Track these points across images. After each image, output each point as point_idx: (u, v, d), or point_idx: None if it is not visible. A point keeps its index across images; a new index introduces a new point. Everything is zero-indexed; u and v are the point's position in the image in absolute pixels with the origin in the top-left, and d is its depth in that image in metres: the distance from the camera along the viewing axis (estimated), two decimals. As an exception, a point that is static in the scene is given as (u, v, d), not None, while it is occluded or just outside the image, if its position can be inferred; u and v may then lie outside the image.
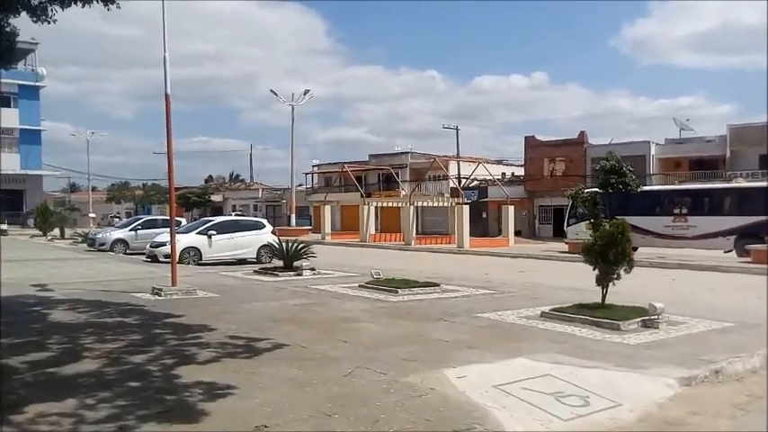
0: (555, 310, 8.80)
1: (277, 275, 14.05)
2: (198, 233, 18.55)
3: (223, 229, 18.97)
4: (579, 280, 15.42)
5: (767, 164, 33.47)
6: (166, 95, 11.03)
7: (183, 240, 18.24)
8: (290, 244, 15.11)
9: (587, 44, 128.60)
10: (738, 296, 12.35)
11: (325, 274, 14.75)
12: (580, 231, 27.90)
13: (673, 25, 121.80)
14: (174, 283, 10.80)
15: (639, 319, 8.08)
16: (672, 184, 33.75)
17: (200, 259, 18.04)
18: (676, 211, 25.67)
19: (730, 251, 23.00)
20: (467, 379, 5.40)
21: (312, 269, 14.71)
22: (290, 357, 6.06)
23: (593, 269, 8.77)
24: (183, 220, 26.94)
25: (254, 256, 18.85)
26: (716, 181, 31.97)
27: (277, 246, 15.29)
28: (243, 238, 18.98)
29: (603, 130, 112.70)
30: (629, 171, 24.50)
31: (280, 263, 15.35)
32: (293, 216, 42.15)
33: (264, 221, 20.77)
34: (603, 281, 8.65)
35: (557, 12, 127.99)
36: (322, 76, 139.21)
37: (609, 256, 8.56)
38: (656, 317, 8.03)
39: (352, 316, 8.67)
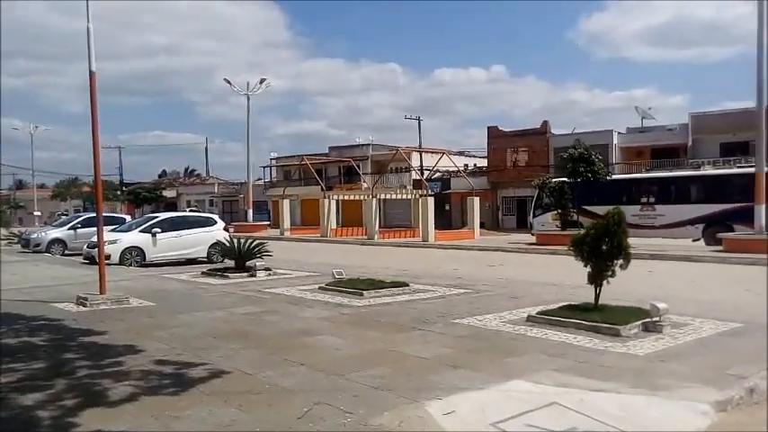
0: (542, 313, 7.73)
1: (227, 277, 12.63)
2: (141, 231, 16.92)
3: (169, 226, 17.36)
4: (553, 274, 14.55)
5: (728, 152, 33.45)
6: (91, 73, 9.49)
7: (125, 239, 16.64)
8: (242, 241, 13.69)
9: (545, 37, 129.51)
10: (726, 290, 11.57)
11: (281, 274, 13.40)
12: (546, 222, 27.28)
13: (628, 19, 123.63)
14: (102, 291, 9.30)
15: (640, 322, 7.07)
16: (634, 172, 33.47)
17: (144, 260, 16.44)
18: (644, 199, 25.17)
19: (698, 240, 22.60)
20: (456, 416, 4.22)
21: (267, 269, 13.33)
22: (230, 391, 4.76)
23: (585, 265, 7.71)
24: (128, 218, 25.06)
25: (205, 256, 17.34)
26: (678, 169, 31.74)
27: (228, 244, 13.85)
28: (191, 235, 17.41)
29: (561, 122, 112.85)
30: (598, 159, 23.81)
31: (232, 263, 13.92)
32: (250, 211, 40.40)
33: (215, 217, 19.21)
34: (597, 279, 7.60)
35: (515, 4, 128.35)
36: (282, 68, 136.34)
37: (602, 250, 7.51)
38: (658, 319, 7.04)
39: (310, 327, 7.39)
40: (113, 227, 18.35)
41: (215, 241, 16.98)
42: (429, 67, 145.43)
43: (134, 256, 16.38)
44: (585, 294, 10.37)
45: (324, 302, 9.29)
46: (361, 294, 9.70)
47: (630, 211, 25.40)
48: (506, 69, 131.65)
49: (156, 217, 18.46)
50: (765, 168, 18.84)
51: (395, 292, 10.13)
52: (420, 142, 45.32)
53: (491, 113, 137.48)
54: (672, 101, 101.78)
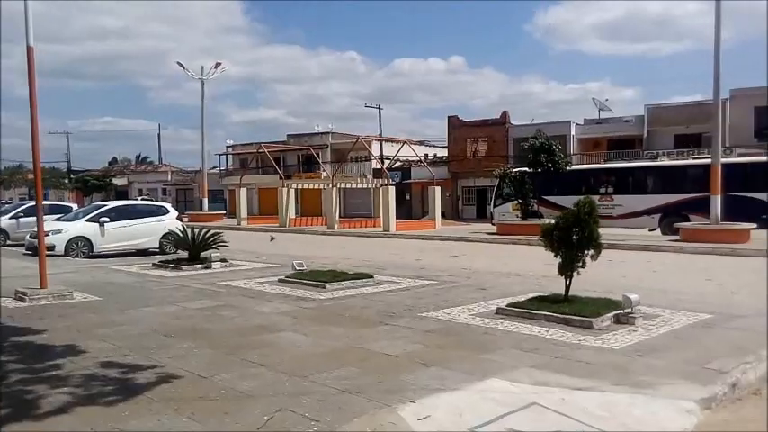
0: (512, 305, 7.48)
1: (180, 269, 11.99)
2: (88, 220, 16.02)
3: (118, 215, 16.51)
4: (517, 264, 14.44)
5: (682, 144, 34.24)
6: (28, 48, 8.71)
7: (71, 229, 15.74)
8: (196, 231, 13.05)
9: (503, 29, 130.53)
10: (689, 279, 11.61)
11: (238, 265, 12.84)
12: (507, 212, 27.32)
13: (583, 13, 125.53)
14: (43, 285, 8.60)
15: (612, 313, 6.89)
16: (591, 163, 33.90)
17: (92, 251, 15.58)
18: (602, 190, 25.45)
19: (654, 229, 22.99)
20: (432, 421, 3.88)
21: (223, 260, 12.75)
22: (182, 397, 4.29)
23: (555, 256, 7.48)
24: (75, 206, 23.87)
25: (157, 247, 16.58)
26: (634, 160, 32.30)
27: (181, 234, 13.18)
28: (142, 225, 16.60)
29: (518, 113, 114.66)
30: (558, 150, 23.90)
31: (186, 254, 13.25)
32: (205, 200, 39.27)
33: (168, 206, 18.40)
34: (567, 269, 7.38)
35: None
36: (238, 55, 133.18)
37: (573, 240, 7.30)
38: (629, 310, 6.87)
39: (270, 323, 6.94)
40: (59, 216, 17.38)
41: (167, 231, 16.22)
42: (388, 57, 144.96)
43: (80, 247, 15.51)
44: (552, 285, 10.22)
45: (284, 296, 8.83)
46: (324, 287, 9.29)
47: (589, 202, 25.81)
48: (465, 60, 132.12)
49: (105, 205, 17.52)
50: (721, 160, 19.21)
51: (358, 283, 9.75)
52: (380, 131, 44.93)
53: (450, 104, 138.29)
54: (624, 94, 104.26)
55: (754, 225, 18.71)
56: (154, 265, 12.87)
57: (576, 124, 39.69)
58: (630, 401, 4.33)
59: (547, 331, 6.38)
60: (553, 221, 7.57)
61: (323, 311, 7.59)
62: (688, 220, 21.36)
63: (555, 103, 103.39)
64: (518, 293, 8.95)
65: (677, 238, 19.65)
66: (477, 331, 6.44)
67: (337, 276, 9.99)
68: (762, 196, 20.73)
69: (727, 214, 19.13)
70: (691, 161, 25.39)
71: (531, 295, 8.65)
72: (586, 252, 7.35)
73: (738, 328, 6.55)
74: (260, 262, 13.77)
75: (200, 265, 12.30)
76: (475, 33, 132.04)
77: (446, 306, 7.86)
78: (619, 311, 6.93)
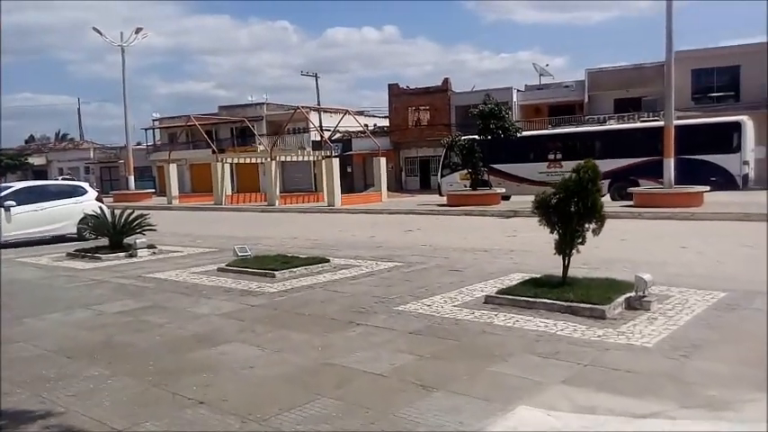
0: (503, 292, 6.32)
1: (99, 259, 10.23)
2: (-12, 205, 13.75)
3: (27, 197, 14.24)
4: (478, 238, 13.40)
5: (622, 108, 34.21)
6: None
7: (-32, 216, 13.44)
8: (116, 213, 11.24)
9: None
10: (663, 248, 10.87)
11: (169, 252, 11.14)
12: (455, 182, 26.39)
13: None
14: None
15: (622, 298, 5.84)
16: (534, 129, 33.42)
17: (-5, 240, 13.40)
18: (551, 156, 24.88)
19: (604, 195, 22.58)
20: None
21: (151, 247, 11.03)
22: (80, 475, 2.85)
23: (551, 231, 6.35)
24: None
25: (75, 232, 14.53)
26: (577, 125, 32.02)
27: (100, 217, 11.34)
28: (56, 208, 14.44)
29: (453, 83, 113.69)
30: (507, 115, 23.00)
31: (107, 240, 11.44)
32: (131, 178, 36.42)
33: (85, 185, 16.20)
34: (567, 247, 6.26)
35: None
36: (163, 25, 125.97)
37: (572, 213, 6.17)
38: (643, 294, 5.84)
39: (210, 330, 5.48)
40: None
41: (87, 214, 14.18)
42: (321, 27, 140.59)
43: (-21, 237, 13.30)
44: (527, 261, 9.23)
45: (225, 290, 7.34)
46: (273, 275, 7.87)
47: (538, 169, 25.20)
48: (398, 30, 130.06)
49: (10, 187, 15.20)
50: (673, 122, 18.78)
51: (313, 269, 8.37)
52: (318, 101, 42.96)
53: (385, 74, 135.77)
54: (555, 62, 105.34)
55: (708, 188, 18.45)
56: (68, 254, 11.02)
57: (518, 90, 39.11)
58: None
59: (555, 325, 5.24)
60: (548, 191, 6.40)
61: (276, 310, 6.19)
62: (637, 185, 21.03)
63: (487, 72, 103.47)
64: (496, 274, 7.88)
65: (630, 203, 19.21)
66: (471, 329, 5.22)
67: (287, 262, 8.57)
68: (712, 158, 20.60)
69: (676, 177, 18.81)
70: (639, 124, 25.11)
71: (514, 276, 7.63)
72: (587, 226, 6.26)
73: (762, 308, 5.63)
74: (195, 246, 12.12)
75: (123, 254, 10.56)
76: (408, 2, 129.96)
77: (423, 295, 6.62)
78: (629, 294, 5.89)
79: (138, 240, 10.92)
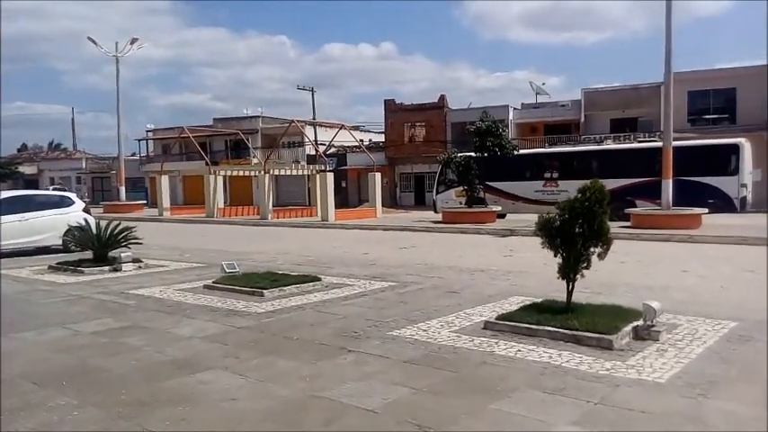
0: (503, 318, 5.99)
1: (81, 273, 9.85)
2: (-30, 215, 13.34)
3: (11, 207, 13.84)
4: (474, 257, 13.09)
5: (618, 128, 34.18)
6: None
7: (-52, 226, 13.03)
8: (101, 225, 10.87)
9: (432, 16, 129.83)
10: (665, 272, 10.60)
11: (155, 266, 10.76)
12: (450, 199, 26.12)
13: (509, 2, 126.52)
14: None
15: (629, 327, 5.53)
16: (529, 148, 33.33)
17: (-25, 251, 12.98)
18: (547, 175, 24.68)
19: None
20: None
21: (137, 261, 10.66)
22: None
23: (554, 255, 6.04)
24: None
25: (60, 244, 14.12)
26: (573, 144, 31.91)
27: (84, 229, 10.96)
28: (41, 219, 14.06)
29: (449, 101, 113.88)
30: (504, 133, 22.82)
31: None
32: (123, 189, 35.99)
33: (73, 196, 15.83)
34: (571, 271, 5.95)
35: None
36: (161, 37, 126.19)
37: (576, 236, 5.88)
38: (651, 323, 5.53)
39: (190, 355, 5.12)
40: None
41: (73, 225, 13.79)
42: (319, 42, 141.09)
43: (-40, 247, 12.89)
44: (526, 283, 8.91)
45: (210, 309, 6.97)
46: (262, 294, 7.52)
47: (534, 187, 24.99)
48: (395, 46, 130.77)
49: (-5, 196, 14.80)
50: (672, 143, 18.63)
51: (304, 288, 8.02)
52: (314, 115, 42.77)
53: (381, 90, 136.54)
54: (550, 82, 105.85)
55: (706, 210, 18.26)
56: (50, 268, 10.63)
57: (514, 109, 39.08)
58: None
59: (560, 356, 4.92)
60: (551, 213, 6.11)
61: (263, 332, 5.83)
62: (634, 206, 20.81)
63: (483, 90, 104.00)
64: (495, 297, 7.56)
65: (626, 224, 18.97)
66: (471, 359, 4.89)
67: (277, 280, 8.23)
68: (709, 180, 20.43)
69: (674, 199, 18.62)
70: (637, 145, 24.95)
71: (513, 299, 7.32)
72: (592, 250, 5.97)
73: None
74: (183, 261, 11.74)
75: (107, 268, 10.19)
76: (405, 20, 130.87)
77: (419, 319, 6.28)
78: (636, 323, 5.58)
79: (123, 254, 10.55)
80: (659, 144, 19.97)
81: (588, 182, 6.22)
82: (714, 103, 31.74)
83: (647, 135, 29.96)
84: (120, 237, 10.85)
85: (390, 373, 4.51)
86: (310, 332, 5.79)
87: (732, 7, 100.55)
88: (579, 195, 5.95)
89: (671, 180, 18.28)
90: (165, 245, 15.13)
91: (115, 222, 11.31)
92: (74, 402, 3.98)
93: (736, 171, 20.52)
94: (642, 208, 19.92)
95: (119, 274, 9.94)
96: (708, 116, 31.62)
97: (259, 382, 4.36)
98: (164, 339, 5.62)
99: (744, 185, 20.61)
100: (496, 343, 5.33)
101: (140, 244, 11.24)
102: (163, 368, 4.74)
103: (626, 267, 10.97)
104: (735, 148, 20.76)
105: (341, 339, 5.49)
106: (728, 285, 8.89)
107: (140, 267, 10.47)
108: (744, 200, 20.56)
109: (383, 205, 29.67)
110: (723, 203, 20.15)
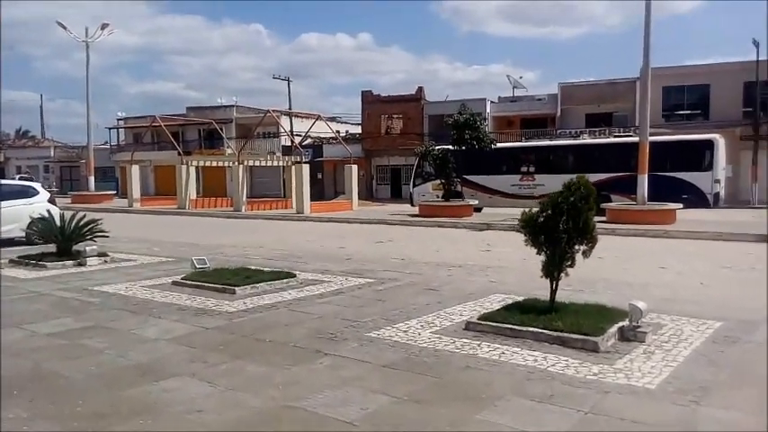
0: (485, 318, 5.78)
1: (44, 267, 9.39)
2: (-75, 205, 12.71)
3: (-30, 197, 13.28)
4: (451, 251, 12.90)
5: (593, 122, 34.34)
6: None
7: None
8: (65, 216, 10.40)
9: (410, 8, 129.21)
10: (643, 267, 10.57)
11: (122, 261, 10.33)
12: (427, 193, 25.95)
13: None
14: None
15: (615, 328, 5.37)
16: (506, 141, 33.32)
17: (-69, 244, 12.36)
18: (524, 169, 24.67)
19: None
20: None
21: (103, 255, 10.21)
22: None
23: (537, 252, 5.85)
24: None
25: (24, 236, 13.54)
26: (550, 138, 31.96)
27: (47, 221, 10.46)
28: (3, 210, 13.45)
29: (425, 93, 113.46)
30: (483, 126, 22.67)
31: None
32: (92, 178, 35.04)
33: (37, 186, 15.21)
34: (555, 269, 5.76)
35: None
36: (134, 24, 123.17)
37: (561, 233, 5.69)
38: (637, 324, 5.38)
39: (155, 360, 4.79)
40: None
41: (37, 217, 13.21)
42: (295, 32, 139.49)
43: None
44: (506, 279, 8.75)
45: (179, 308, 6.63)
46: (233, 292, 7.20)
47: (510, 181, 24.96)
48: (373, 38, 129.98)
49: (-48, 186, 14.14)
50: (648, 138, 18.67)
51: (278, 285, 7.72)
52: (290, 105, 42.17)
53: (358, 81, 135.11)
54: (526, 76, 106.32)
55: (680, 205, 18.37)
56: (11, 262, 10.13)
57: (491, 102, 39.03)
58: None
59: (545, 359, 4.72)
60: (535, 209, 5.90)
61: (233, 334, 5.53)
62: (610, 200, 20.87)
63: (460, 83, 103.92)
64: (474, 294, 7.37)
65: (602, 219, 18.99)
66: (453, 363, 4.66)
67: (250, 276, 7.91)
68: (684, 176, 20.59)
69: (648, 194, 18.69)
70: (613, 140, 25.01)
71: (494, 297, 7.14)
72: (577, 247, 5.79)
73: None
74: (151, 255, 11.31)
75: (70, 262, 9.73)
76: (383, 11, 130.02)
77: (397, 319, 6.04)
78: (621, 324, 5.43)
79: (88, 248, 10.10)
80: (635, 139, 20.03)
81: (573, 176, 6.00)
82: (688, 98, 32.08)
83: (622, 130, 30.14)
84: (86, 229, 10.38)
85: (369, 380, 4.26)
86: (284, 333, 5.51)
87: (707, 6, 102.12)
88: (564, 191, 5.74)
89: (646, 175, 18.33)
90: (133, 237, 14.65)
91: (81, 214, 10.83)
92: (24, 415, 3.65)
93: (710, 167, 20.73)
94: (617, 203, 19.98)
95: (83, 269, 9.50)
96: (682, 112, 31.95)
97: (228, 390, 4.07)
98: (127, 341, 5.29)
99: (717, 181, 20.83)
100: (479, 345, 5.12)
101: (107, 237, 10.79)
102: (125, 374, 4.41)
103: (605, 264, 10.85)
104: (709, 144, 20.95)
105: (316, 341, 5.22)
106: (707, 282, 8.85)
107: (106, 262, 10.04)
108: (717, 195, 20.79)
109: (359, 198, 29.38)
110: (697, 199, 20.35)
